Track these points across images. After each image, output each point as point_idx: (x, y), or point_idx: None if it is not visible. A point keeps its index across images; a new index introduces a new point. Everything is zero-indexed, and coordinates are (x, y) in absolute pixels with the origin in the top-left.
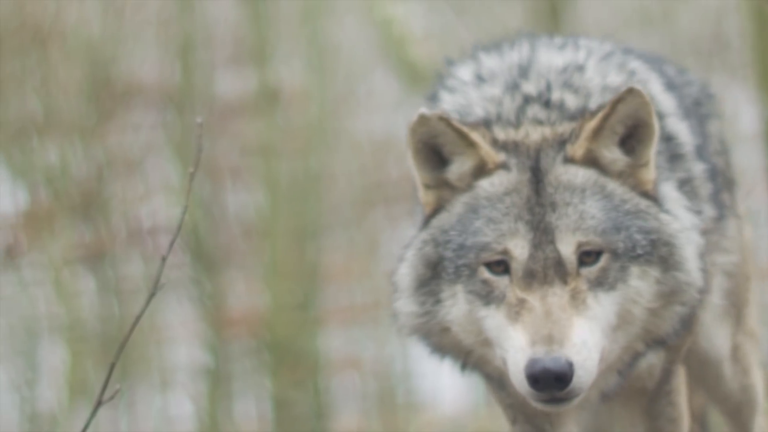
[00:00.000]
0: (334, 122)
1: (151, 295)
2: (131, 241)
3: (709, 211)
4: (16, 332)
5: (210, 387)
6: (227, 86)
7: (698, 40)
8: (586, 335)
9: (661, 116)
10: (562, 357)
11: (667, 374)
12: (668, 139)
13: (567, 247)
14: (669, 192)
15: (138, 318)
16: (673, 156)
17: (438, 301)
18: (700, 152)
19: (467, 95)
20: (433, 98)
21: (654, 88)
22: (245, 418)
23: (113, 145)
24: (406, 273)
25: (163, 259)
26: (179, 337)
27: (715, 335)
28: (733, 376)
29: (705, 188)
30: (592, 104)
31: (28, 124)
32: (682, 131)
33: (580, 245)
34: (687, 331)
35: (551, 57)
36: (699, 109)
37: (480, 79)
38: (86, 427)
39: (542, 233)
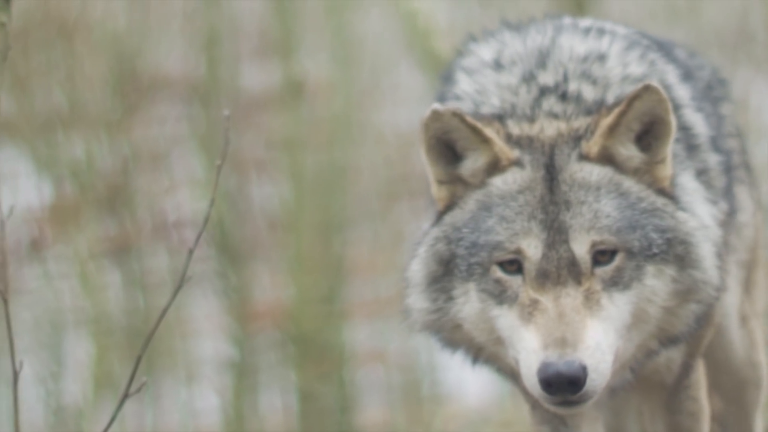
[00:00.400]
0: (359, 115)
1: (178, 288)
2: (156, 234)
3: (723, 205)
4: (42, 326)
5: (235, 380)
6: (252, 79)
7: (723, 33)
8: (599, 337)
9: (677, 107)
10: (576, 360)
11: (686, 368)
12: (685, 128)
13: (581, 247)
14: (687, 182)
15: (164, 311)
16: (690, 146)
17: (450, 298)
18: (715, 143)
19: (484, 80)
20: (448, 79)
21: (671, 79)
22: (270, 411)
23: (138, 138)
24: (417, 269)
25: (190, 252)
26: (204, 330)
27: (723, 299)
28: (741, 345)
29: (719, 180)
30: (611, 96)
31: (53, 118)
32: (698, 122)
33: (594, 245)
34: (705, 326)
35: (573, 43)
36: (711, 92)
37: (499, 64)
38: (113, 419)
39: (556, 232)
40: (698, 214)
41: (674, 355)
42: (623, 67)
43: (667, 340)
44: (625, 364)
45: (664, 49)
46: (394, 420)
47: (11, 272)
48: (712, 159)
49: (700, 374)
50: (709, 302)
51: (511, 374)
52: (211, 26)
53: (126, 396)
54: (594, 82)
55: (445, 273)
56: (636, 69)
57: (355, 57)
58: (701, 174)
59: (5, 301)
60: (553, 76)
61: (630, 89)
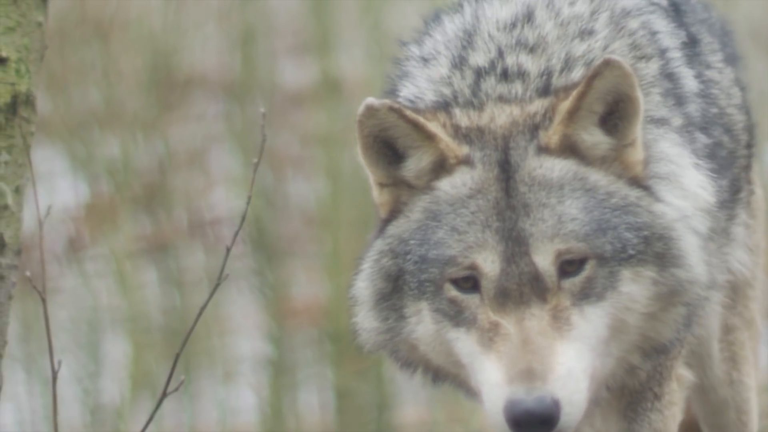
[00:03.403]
0: None
1: (215, 286)
2: (193, 232)
3: (722, 181)
4: (79, 325)
5: (272, 378)
6: (288, 76)
7: (758, 29)
8: (572, 363)
9: (662, 51)
10: (547, 396)
11: (659, 370)
12: (671, 76)
13: (544, 258)
14: (668, 150)
15: (202, 309)
16: (677, 96)
17: (402, 318)
18: (707, 121)
19: (418, 80)
20: (392, 92)
21: (658, 24)
22: (308, 408)
23: (175, 136)
24: (363, 286)
25: (227, 250)
26: (242, 328)
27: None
28: (723, 362)
29: (715, 153)
30: (556, 61)
31: (90, 117)
32: (687, 76)
33: (559, 254)
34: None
35: (496, 12)
36: (714, 54)
37: (424, 59)
38: (151, 418)
39: (515, 243)
40: (683, 186)
41: None
42: (555, 18)
43: (653, 350)
44: (602, 383)
45: None
46: (432, 417)
47: (49, 272)
48: (700, 139)
49: (675, 392)
50: (698, 303)
51: (476, 395)
52: (247, 24)
53: (164, 395)
54: (531, 49)
55: (394, 290)
56: (578, 8)
57: (391, 53)
58: (686, 130)
59: (43, 301)
60: (485, 55)
61: (576, 44)
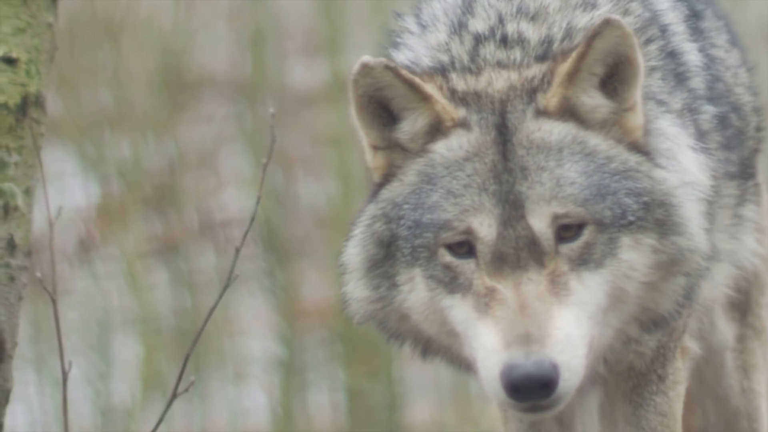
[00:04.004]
0: None
1: (225, 287)
2: (203, 233)
3: (715, 164)
4: (90, 326)
5: (283, 378)
6: (298, 77)
7: None
8: (570, 328)
9: (663, 28)
10: (545, 359)
11: (662, 352)
12: (673, 55)
13: (541, 221)
14: (667, 128)
15: (212, 310)
16: (677, 75)
17: (394, 285)
18: (713, 91)
19: (414, 49)
20: (385, 56)
21: (659, 2)
22: (318, 409)
23: (185, 137)
24: (355, 253)
25: (237, 250)
26: (252, 328)
27: (719, 317)
28: (735, 371)
29: (712, 137)
30: (557, 30)
31: (100, 117)
32: (691, 52)
33: (556, 218)
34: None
35: None
36: (720, 36)
37: (422, 26)
38: (161, 419)
39: (512, 206)
40: (681, 163)
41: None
42: None
43: (651, 322)
44: (600, 355)
45: None
46: (443, 418)
47: (59, 273)
48: (707, 109)
49: (679, 375)
50: (698, 274)
51: (468, 369)
52: (257, 24)
53: (174, 395)
54: (533, 17)
55: (386, 256)
56: None
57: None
58: (688, 112)
59: (54, 302)
60: (485, 22)
61: (578, 14)
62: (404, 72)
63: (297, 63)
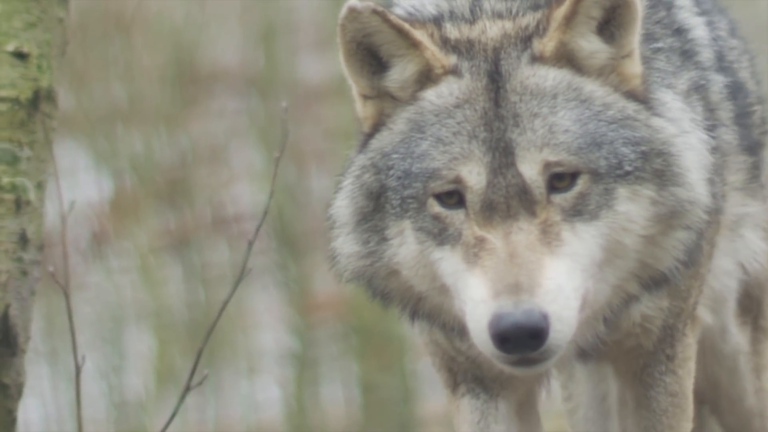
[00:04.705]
0: None
1: (238, 281)
2: (216, 227)
3: (731, 136)
4: (103, 320)
5: (297, 372)
6: (310, 71)
7: None
8: (561, 278)
9: (669, 5)
10: (534, 308)
11: (670, 332)
12: (678, 31)
13: (531, 168)
14: (668, 102)
15: (225, 303)
16: (683, 53)
17: (383, 239)
18: (722, 61)
19: None
20: (387, 4)
21: None
22: (332, 402)
23: (197, 131)
24: (343, 205)
25: (250, 244)
26: (265, 322)
27: (730, 324)
28: (749, 373)
29: (724, 108)
30: None
31: (112, 112)
32: (698, 26)
33: (548, 165)
34: (694, 267)
35: None
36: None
37: None
38: (175, 413)
39: (502, 154)
40: (678, 123)
41: (654, 313)
42: None
43: (651, 280)
44: (598, 312)
45: None
46: None
47: (72, 267)
48: (717, 79)
49: (689, 351)
50: (698, 227)
51: (460, 331)
52: (268, 19)
53: (188, 389)
54: None
55: (375, 209)
56: None
57: None
58: (695, 90)
59: (66, 296)
60: None
61: None
62: (392, 17)
63: (308, 57)
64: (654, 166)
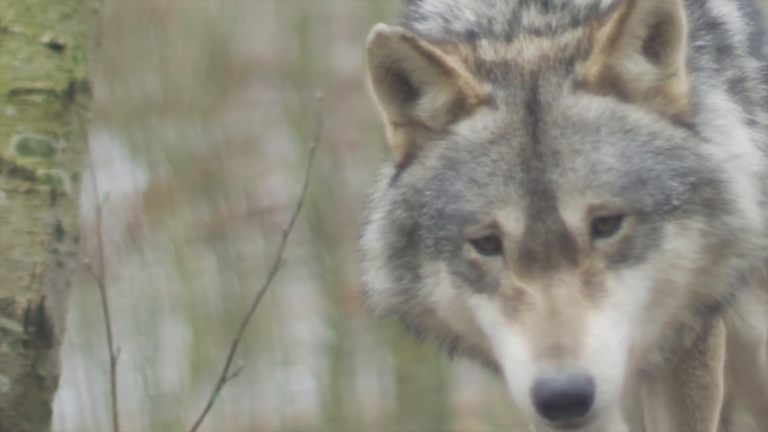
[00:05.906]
0: None
1: (273, 272)
2: (251, 218)
3: (764, 118)
4: (138, 311)
5: (331, 362)
6: (344, 61)
7: None
8: (606, 334)
9: (702, 2)
10: (579, 373)
11: (703, 332)
12: (713, 25)
13: (574, 214)
14: (718, 102)
15: (260, 294)
16: (721, 49)
17: (417, 277)
18: (754, 44)
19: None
20: (420, 16)
21: None
22: (367, 393)
23: (232, 122)
24: (374, 239)
25: (285, 235)
26: (300, 313)
27: (750, 313)
28: (767, 364)
29: (757, 90)
30: None
31: (147, 103)
32: (731, 15)
33: (591, 210)
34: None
35: None
36: None
37: None
38: (210, 404)
39: (541, 198)
40: (733, 138)
41: None
42: None
43: (705, 307)
44: (648, 350)
45: None
46: (492, 401)
47: (108, 259)
48: (750, 64)
49: (719, 339)
50: (754, 255)
51: (498, 370)
52: (303, 9)
53: (223, 380)
54: None
55: (408, 245)
56: None
57: None
58: (737, 84)
59: (102, 287)
60: None
61: None
62: (423, 43)
63: (343, 47)
64: (703, 195)
